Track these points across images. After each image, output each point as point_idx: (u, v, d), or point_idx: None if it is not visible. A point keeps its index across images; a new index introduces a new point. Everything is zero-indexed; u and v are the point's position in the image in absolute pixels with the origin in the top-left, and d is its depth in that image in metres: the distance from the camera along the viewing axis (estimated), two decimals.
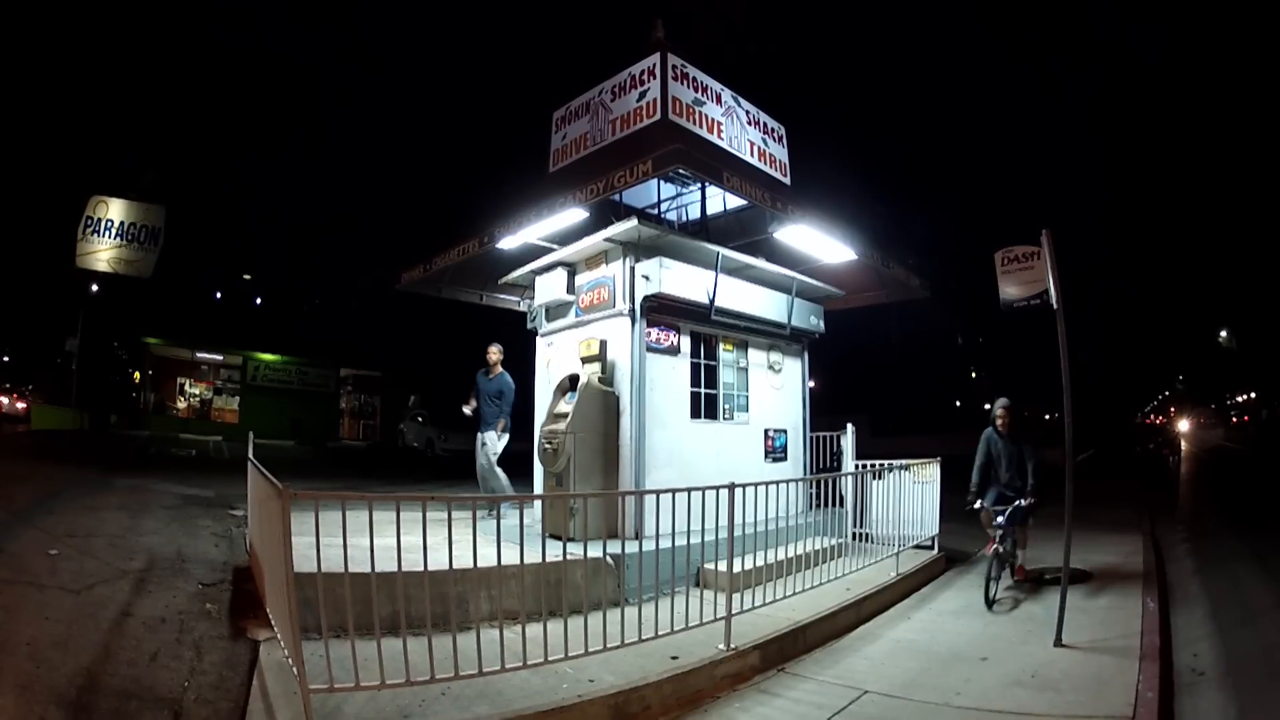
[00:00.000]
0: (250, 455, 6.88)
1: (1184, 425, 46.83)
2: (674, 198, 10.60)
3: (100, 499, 8.99)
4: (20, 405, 34.59)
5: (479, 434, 9.72)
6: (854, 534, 8.64)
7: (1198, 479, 22.90)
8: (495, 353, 9.79)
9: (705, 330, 9.15)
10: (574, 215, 8.31)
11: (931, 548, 9.00)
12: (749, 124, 9.99)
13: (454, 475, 18.38)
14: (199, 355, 32.26)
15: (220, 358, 32.68)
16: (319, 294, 45.23)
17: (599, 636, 5.09)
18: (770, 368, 10.15)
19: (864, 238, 9.38)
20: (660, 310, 8.47)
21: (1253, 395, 72.49)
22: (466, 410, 9.78)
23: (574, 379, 8.65)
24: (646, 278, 8.21)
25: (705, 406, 9.14)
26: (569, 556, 5.43)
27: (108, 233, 24.36)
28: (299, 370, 33.72)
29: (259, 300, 46.26)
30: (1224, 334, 59.64)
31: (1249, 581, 7.94)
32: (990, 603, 7.29)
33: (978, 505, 8.11)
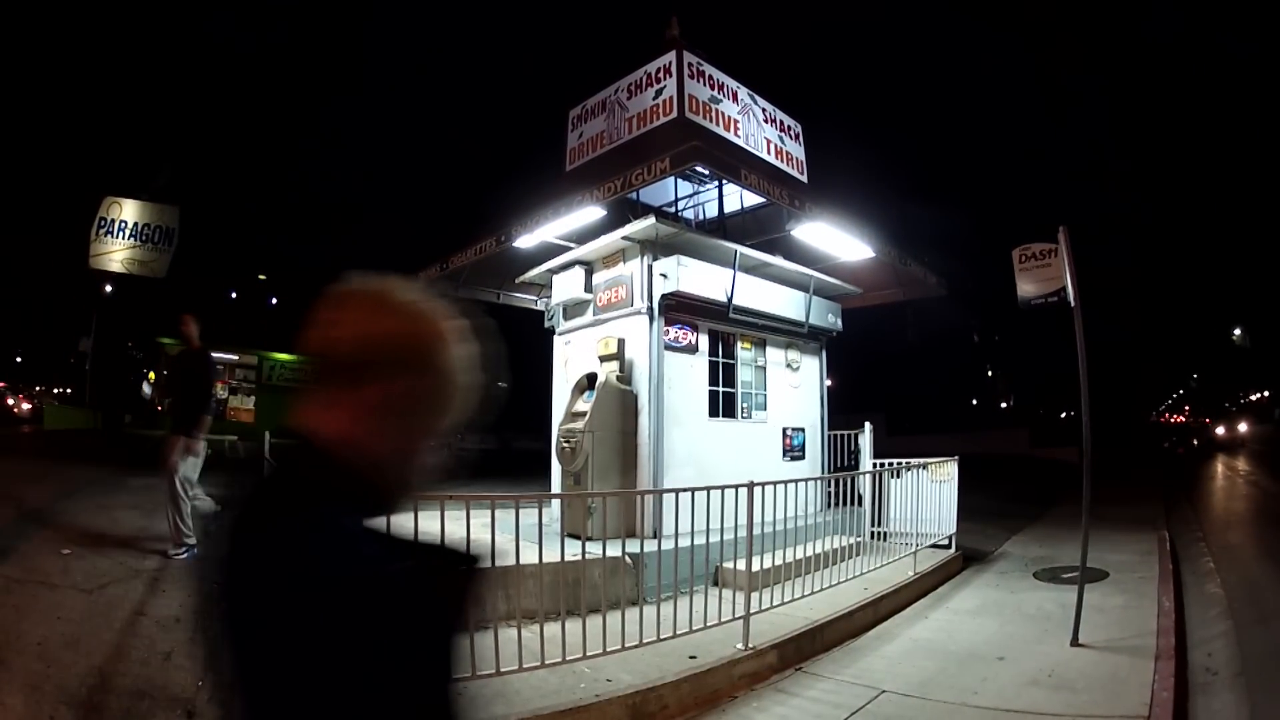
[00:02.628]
0: (267, 454, 6.91)
1: (1243, 426, 41.54)
2: (691, 196, 10.60)
3: (113, 499, 9.00)
4: (26, 406, 34.68)
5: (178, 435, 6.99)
6: (872, 533, 8.62)
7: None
8: (192, 324, 7.56)
9: (723, 328, 9.14)
10: (591, 213, 8.31)
11: (949, 547, 8.95)
12: (765, 121, 9.97)
13: (471, 474, 18.39)
14: (214, 355, 32.34)
15: (235, 357, 32.76)
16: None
17: (617, 636, 5.09)
18: (788, 366, 10.13)
19: (881, 235, 9.36)
20: (678, 308, 8.47)
21: (1265, 394, 72.03)
22: (149, 390, 6.99)
23: (592, 377, 8.66)
24: (664, 276, 8.20)
25: (723, 405, 9.13)
26: (587, 555, 5.44)
27: (121, 233, 24.42)
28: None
29: (274, 300, 46.44)
30: (1238, 332, 59.23)
31: (1263, 581, 7.89)
32: None
33: None
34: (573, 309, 9.66)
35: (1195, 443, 44.57)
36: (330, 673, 0.95)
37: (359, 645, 0.97)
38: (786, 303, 9.67)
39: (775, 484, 6.36)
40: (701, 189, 10.38)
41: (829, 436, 10.66)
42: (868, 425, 10.05)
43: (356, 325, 1.16)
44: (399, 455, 1.18)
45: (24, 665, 4.31)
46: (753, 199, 10.02)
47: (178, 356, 7.80)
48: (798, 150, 10.50)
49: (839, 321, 10.61)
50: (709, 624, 5.62)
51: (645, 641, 5.20)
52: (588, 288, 9.12)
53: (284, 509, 1.07)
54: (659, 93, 8.99)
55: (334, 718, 0.96)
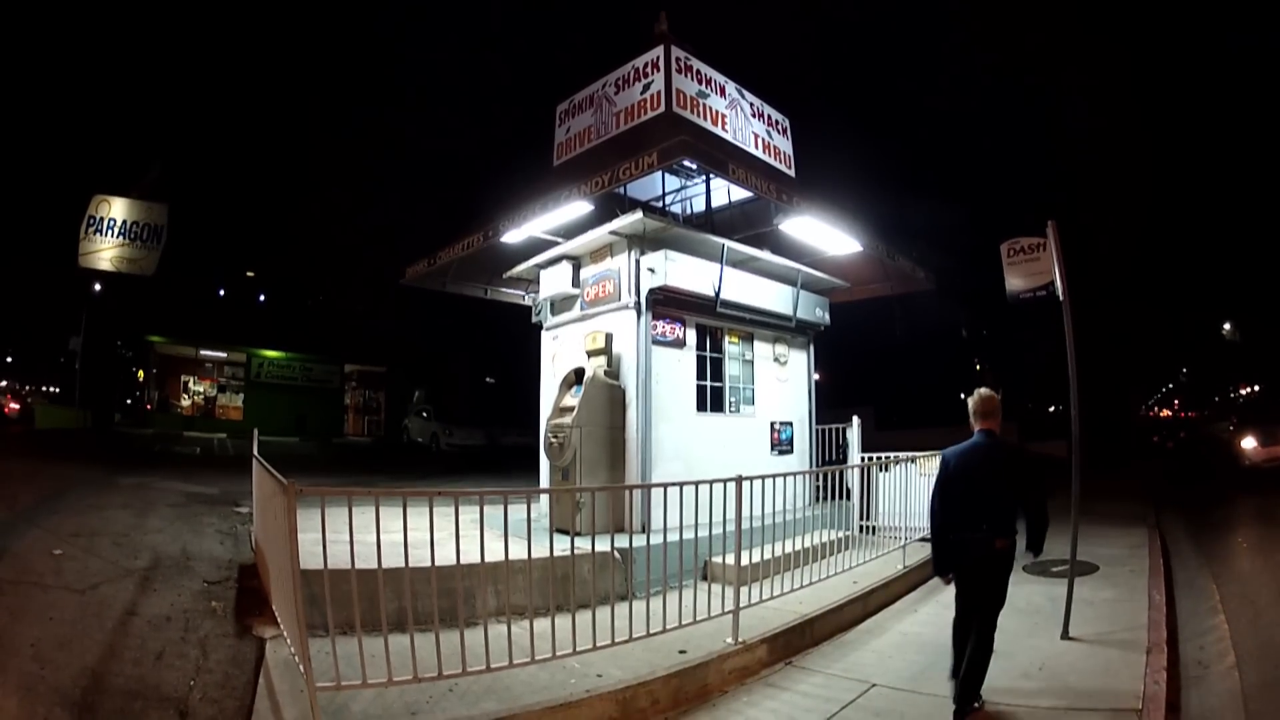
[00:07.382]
0: (255, 452, 6.87)
1: None
2: (678, 190, 10.57)
3: (104, 498, 8.94)
4: (14, 406, 34.44)
5: None
6: (861, 526, 8.62)
7: None
8: None
9: (711, 323, 9.13)
10: (579, 208, 8.27)
11: None
12: (753, 116, 9.95)
13: (459, 470, 18.39)
14: (203, 353, 32.24)
15: (224, 355, 32.66)
16: (323, 290, 45.13)
17: (606, 631, 5.08)
18: (776, 360, 10.13)
19: (869, 229, 9.36)
20: (666, 303, 8.46)
21: (1256, 389, 72.26)
22: None
23: (579, 372, 8.63)
24: (652, 270, 8.19)
25: (711, 399, 9.12)
26: (576, 551, 5.43)
27: (110, 231, 24.09)
28: (303, 366, 33.71)
29: (262, 297, 46.15)
30: (1228, 326, 59.34)
31: (1254, 575, 7.91)
32: None
33: None
34: (560, 304, 9.64)
35: (1183, 435, 44.77)
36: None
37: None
38: (774, 297, 9.66)
39: (763, 478, 6.36)
40: (689, 184, 10.36)
41: (817, 431, 10.67)
42: (856, 419, 10.06)
43: (996, 403, 4.97)
44: None
45: (18, 666, 4.29)
46: (740, 194, 10.01)
47: None
48: (785, 145, 10.49)
49: (827, 316, 10.62)
50: (698, 619, 5.61)
51: (635, 636, 5.19)
52: (575, 283, 9.10)
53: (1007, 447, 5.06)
54: (647, 87, 8.95)
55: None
